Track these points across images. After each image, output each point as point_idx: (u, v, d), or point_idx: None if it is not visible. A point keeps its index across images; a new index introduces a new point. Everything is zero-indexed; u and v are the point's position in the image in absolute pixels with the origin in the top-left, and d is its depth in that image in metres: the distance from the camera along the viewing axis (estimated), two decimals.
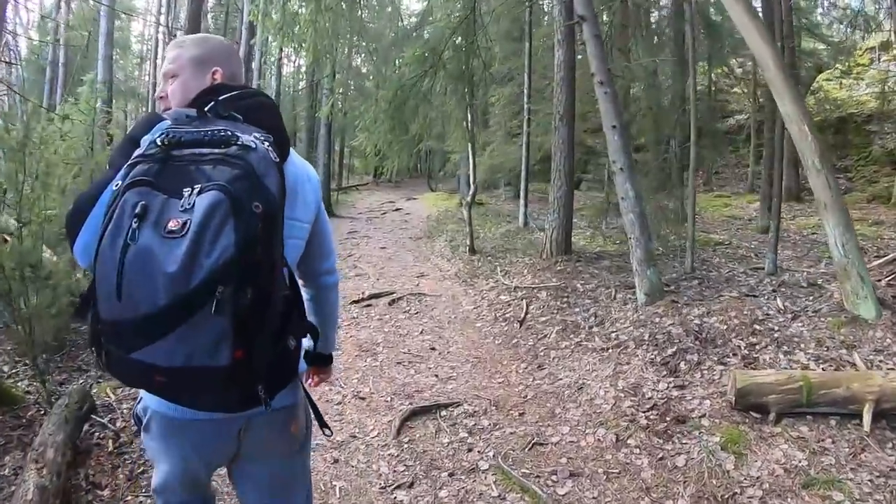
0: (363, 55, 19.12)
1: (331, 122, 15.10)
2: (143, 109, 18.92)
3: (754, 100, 11.43)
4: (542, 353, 4.54)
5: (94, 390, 3.42)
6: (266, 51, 14.02)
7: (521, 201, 9.78)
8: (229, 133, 1.03)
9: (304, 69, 23.96)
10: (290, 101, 23.08)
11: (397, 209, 15.28)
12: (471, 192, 8.12)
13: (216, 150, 1.00)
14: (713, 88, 13.43)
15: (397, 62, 10.18)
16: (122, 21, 16.97)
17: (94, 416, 3.03)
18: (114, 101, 10.77)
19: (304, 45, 6.90)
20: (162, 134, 1.02)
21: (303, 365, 1.33)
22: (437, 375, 4.13)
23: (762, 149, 9.37)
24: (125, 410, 3.25)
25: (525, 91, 9.75)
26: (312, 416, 1.43)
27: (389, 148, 7.08)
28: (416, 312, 5.55)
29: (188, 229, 0.91)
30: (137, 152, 1.03)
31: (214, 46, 1.31)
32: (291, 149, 1.29)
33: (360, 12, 9.46)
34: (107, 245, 0.94)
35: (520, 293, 5.91)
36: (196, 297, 0.90)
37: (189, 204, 0.93)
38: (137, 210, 0.93)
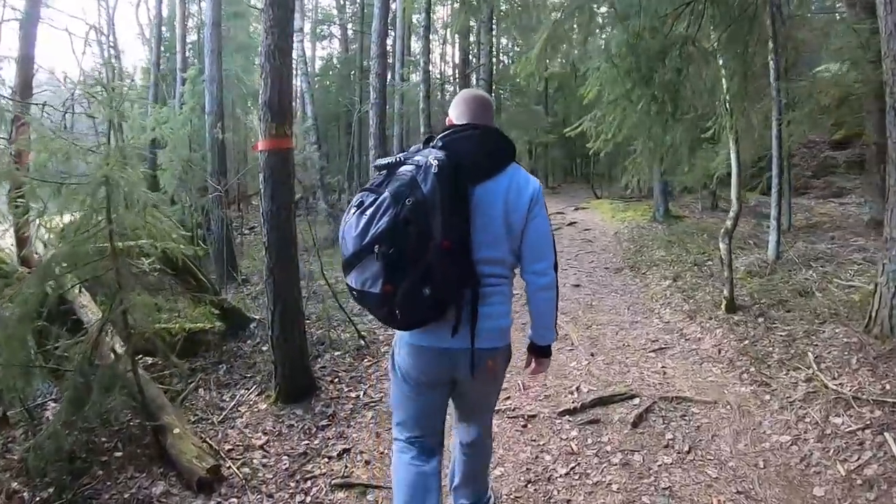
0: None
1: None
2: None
3: None
4: None
5: None
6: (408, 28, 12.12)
7: (772, 222, 6.78)
8: (413, 156, 1.79)
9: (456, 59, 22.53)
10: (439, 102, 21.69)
11: (571, 223, 12.79)
12: (732, 214, 5.31)
13: (405, 169, 1.75)
14: None
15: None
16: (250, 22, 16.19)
17: None
18: (224, 101, 9.56)
19: None
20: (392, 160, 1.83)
21: (501, 339, 1.93)
22: None
23: None
24: None
25: (771, 62, 6.70)
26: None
27: (638, 128, 4.50)
28: (689, 450, 3.11)
29: (370, 212, 1.69)
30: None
31: (453, 102, 2.07)
32: (509, 167, 1.90)
33: None
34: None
35: (867, 412, 3.25)
36: (365, 249, 1.67)
37: (379, 198, 1.70)
38: (355, 202, 1.76)
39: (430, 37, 17.82)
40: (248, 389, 4.33)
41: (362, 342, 4.93)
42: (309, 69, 18.93)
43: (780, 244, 6.65)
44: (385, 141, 7.31)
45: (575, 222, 12.88)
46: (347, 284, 1.78)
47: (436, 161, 1.70)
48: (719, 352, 4.44)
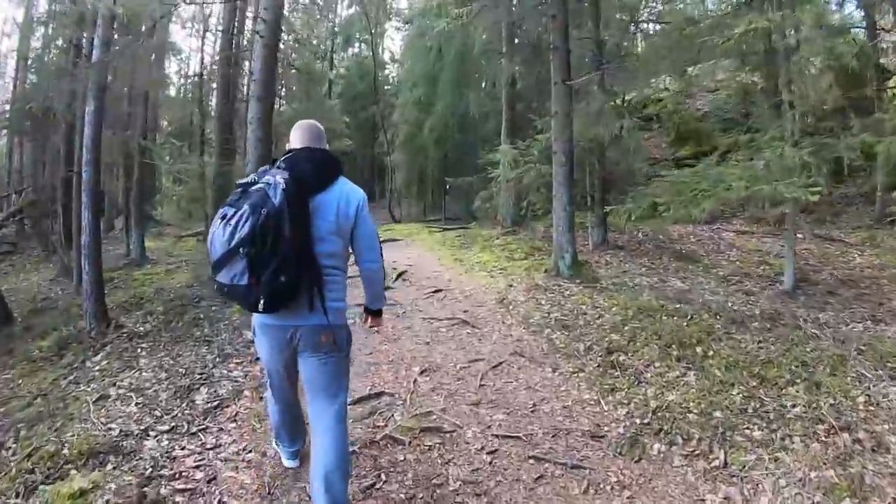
0: None
1: None
2: None
3: None
4: None
5: None
6: None
7: None
8: (263, 176, 2.31)
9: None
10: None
11: (402, 274, 8.22)
12: None
13: (257, 187, 2.25)
14: None
15: None
16: None
17: None
18: None
19: None
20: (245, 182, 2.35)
21: (338, 318, 2.47)
22: None
23: None
24: None
25: None
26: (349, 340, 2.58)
27: None
28: None
29: (234, 222, 2.18)
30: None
31: (292, 130, 2.60)
32: (339, 180, 2.47)
33: None
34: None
35: None
36: (232, 251, 2.16)
37: (239, 211, 2.19)
38: (219, 215, 2.24)
39: None
40: None
41: None
42: None
43: None
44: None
45: (405, 273, 8.32)
46: (217, 282, 2.26)
47: (282, 180, 2.25)
48: None
